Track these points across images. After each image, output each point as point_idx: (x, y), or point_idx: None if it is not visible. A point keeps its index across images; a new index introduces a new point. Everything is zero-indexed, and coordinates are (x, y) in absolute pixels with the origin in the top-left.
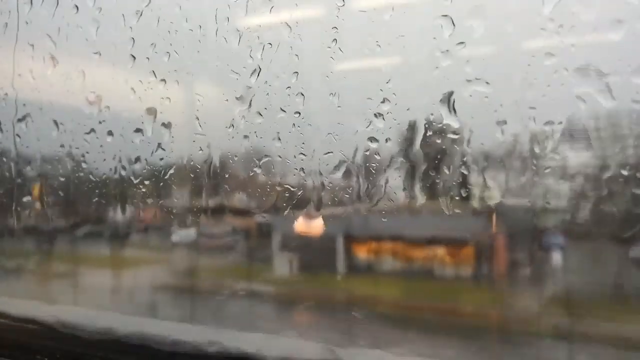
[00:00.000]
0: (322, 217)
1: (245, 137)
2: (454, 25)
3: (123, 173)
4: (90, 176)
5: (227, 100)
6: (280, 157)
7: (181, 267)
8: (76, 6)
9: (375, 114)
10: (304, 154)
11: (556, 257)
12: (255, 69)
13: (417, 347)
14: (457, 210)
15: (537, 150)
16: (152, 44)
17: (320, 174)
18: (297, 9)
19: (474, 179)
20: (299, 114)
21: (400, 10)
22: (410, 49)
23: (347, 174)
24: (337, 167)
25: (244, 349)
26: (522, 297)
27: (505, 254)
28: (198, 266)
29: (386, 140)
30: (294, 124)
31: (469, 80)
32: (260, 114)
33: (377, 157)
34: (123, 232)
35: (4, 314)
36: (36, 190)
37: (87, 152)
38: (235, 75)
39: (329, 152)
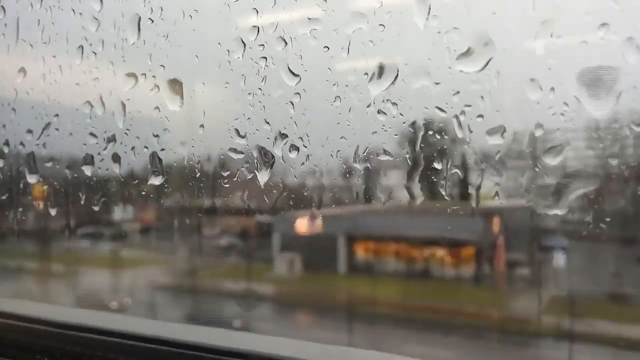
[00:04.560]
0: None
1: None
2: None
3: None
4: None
5: (226, 100)
6: (279, 157)
7: None
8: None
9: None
10: (304, 155)
11: None
12: (255, 69)
13: None
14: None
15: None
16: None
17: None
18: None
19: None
20: (299, 112)
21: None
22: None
23: (349, 174)
24: (338, 168)
25: (244, 348)
26: None
27: None
28: None
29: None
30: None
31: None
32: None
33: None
34: None
35: (4, 313)
36: None
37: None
38: (235, 76)
39: (329, 152)
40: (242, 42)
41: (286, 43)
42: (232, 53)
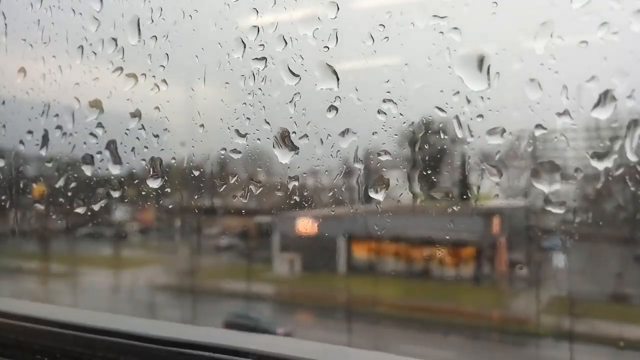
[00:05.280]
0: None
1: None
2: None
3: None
4: None
5: (226, 100)
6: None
7: None
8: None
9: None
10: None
11: None
12: (255, 69)
13: None
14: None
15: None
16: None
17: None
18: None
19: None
20: (299, 113)
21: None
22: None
23: (349, 174)
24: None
25: (244, 348)
26: None
27: None
28: None
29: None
30: (295, 123)
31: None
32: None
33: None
34: None
35: (4, 313)
36: None
37: None
38: (235, 76)
39: (329, 152)
40: (242, 42)
41: (286, 43)
42: (232, 53)
